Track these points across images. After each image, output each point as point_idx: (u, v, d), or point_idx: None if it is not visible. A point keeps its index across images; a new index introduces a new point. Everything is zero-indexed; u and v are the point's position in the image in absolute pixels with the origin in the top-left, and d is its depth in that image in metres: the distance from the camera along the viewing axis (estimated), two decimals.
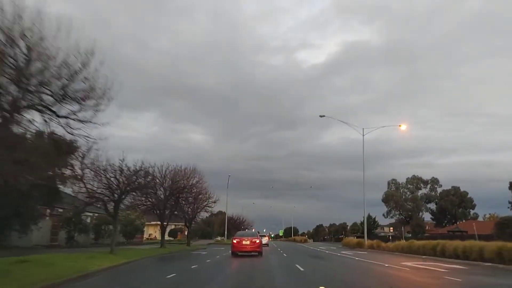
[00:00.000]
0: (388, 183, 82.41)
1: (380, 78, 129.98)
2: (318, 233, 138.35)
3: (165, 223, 31.94)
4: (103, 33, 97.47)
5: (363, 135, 40.30)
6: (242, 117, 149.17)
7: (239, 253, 22.04)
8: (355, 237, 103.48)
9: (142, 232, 46.29)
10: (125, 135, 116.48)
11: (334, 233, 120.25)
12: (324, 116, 39.20)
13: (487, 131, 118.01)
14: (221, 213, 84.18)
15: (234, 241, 22.86)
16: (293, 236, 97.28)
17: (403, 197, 78.72)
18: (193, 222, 41.03)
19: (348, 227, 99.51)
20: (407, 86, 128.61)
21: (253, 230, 51.19)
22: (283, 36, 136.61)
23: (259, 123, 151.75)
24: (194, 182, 31.59)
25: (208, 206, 41.08)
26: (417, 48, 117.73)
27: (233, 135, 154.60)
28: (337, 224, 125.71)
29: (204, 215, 46.56)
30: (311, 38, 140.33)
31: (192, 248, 37.32)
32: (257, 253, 22.17)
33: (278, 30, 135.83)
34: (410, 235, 61.25)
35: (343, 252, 29.96)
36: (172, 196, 30.49)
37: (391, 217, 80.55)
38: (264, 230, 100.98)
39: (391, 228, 70.62)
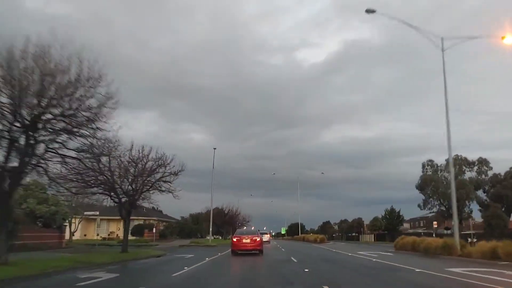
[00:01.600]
0: (423, 165, 64.28)
1: (380, 76, 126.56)
2: (325, 231, 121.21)
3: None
4: (103, 33, 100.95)
5: (443, 50, 22.84)
6: (242, 116, 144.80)
7: (239, 252, 21.50)
8: (373, 234, 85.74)
9: (60, 229, 28.03)
10: (125, 134, 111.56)
11: (347, 231, 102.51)
12: (373, 11, 21.19)
13: (488, 129, 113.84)
14: (217, 210, 66.07)
15: (234, 240, 22.23)
16: (301, 234, 79.01)
17: (444, 182, 60.60)
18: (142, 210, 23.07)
19: (368, 223, 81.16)
20: (407, 83, 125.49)
21: (253, 228, 42.02)
22: (283, 35, 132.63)
23: (260, 123, 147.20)
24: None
25: (163, 181, 23.01)
26: (418, 46, 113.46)
27: (233, 134, 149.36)
28: (349, 220, 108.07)
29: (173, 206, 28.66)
30: (311, 37, 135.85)
31: (126, 256, 19.32)
32: (257, 252, 21.54)
33: (278, 29, 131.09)
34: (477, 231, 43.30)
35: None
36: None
37: (429, 208, 62.42)
38: (265, 228, 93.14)
39: (435, 223, 52.25)
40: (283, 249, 29.57)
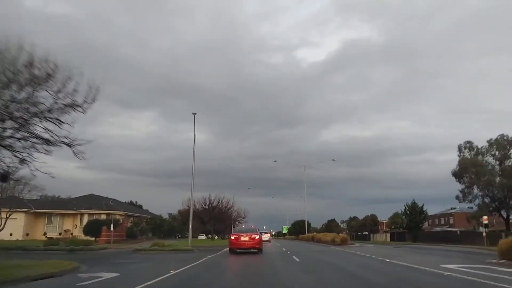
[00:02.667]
0: (460, 148, 52.12)
1: (380, 76, 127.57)
2: (331, 230, 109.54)
3: None
4: (103, 33, 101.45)
5: None
6: (242, 116, 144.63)
7: (238, 250, 20.53)
8: (389, 233, 73.74)
9: None
10: (125, 134, 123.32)
11: (358, 229, 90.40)
12: None
13: (487, 128, 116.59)
14: (204, 202, 53.61)
15: (232, 237, 21.20)
16: (308, 232, 66.72)
17: (489, 167, 48.51)
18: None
19: (387, 220, 68.92)
20: (407, 83, 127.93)
21: (252, 226, 30.95)
22: (282, 35, 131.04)
23: (260, 122, 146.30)
24: None
25: (47, 118, 10.73)
26: (418, 45, 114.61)
27: (233, 134, 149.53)
28: (360, 218, 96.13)
29: None
30: (310, 36, 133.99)
31: None
32: (256, 250, 20.39)
33: (277, 28, 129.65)
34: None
35: None
36: None
37: (470, 200, 50.11)
38: (264, 227, 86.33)
39: (485, 218, 39.86)
40: (295, 258, 17.40)
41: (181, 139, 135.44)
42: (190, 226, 33.31)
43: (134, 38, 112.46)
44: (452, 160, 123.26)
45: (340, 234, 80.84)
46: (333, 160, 62.34)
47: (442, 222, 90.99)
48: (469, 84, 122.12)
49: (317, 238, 44.16)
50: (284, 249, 27.23)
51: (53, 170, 11.54)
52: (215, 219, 45.20)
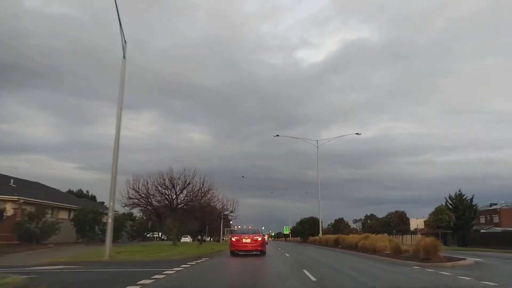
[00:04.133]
0: None
1: (379, 76, 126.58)
2: (339, 230, 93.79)
3: None
4: (103, 33, 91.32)
5: None
6: (241, 116, 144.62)
7: (239, 252, 19.83)
8: (420, 234, 56.66)
9: None
10: (124, 134, 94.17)
11: (379, 229, 73.57)
12: None
13: (487, 128, 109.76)
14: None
15: (233, 239, 20.73)
16: (323, 233, 49.99)
17: None
18: None
19: (428, 218, 51.78)
20: (406, 83, 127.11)
21: (250, 228, 28.64)
22: (282, 35, 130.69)
23: (259, 122, 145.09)
24: None
25: None
26: (417, 46, 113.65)
27: (232, 134, 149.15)
28: (379, 216, 79.44)
29: None
30: (310, 37, 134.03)
31: None
32: (259, 252, 19.85)
33: (277, 28, 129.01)
34: None
35: None
36: None
37: None
38: (263, 228, 78.41)
39: None
40: None
41: (180, 139, 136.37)
42: (110, 220, 16.74)
43: (133, 38, 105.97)
44: (452, 161, 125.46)
45: (351, 234, 62.71)
46: (357, 133, 46.29)
47: (482, 221, 74.26)
48: (469, 84, 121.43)
49: (348, 243, 26.84)
50: (308, 274, 10.43)
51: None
52: (185, 213, 28.12)
